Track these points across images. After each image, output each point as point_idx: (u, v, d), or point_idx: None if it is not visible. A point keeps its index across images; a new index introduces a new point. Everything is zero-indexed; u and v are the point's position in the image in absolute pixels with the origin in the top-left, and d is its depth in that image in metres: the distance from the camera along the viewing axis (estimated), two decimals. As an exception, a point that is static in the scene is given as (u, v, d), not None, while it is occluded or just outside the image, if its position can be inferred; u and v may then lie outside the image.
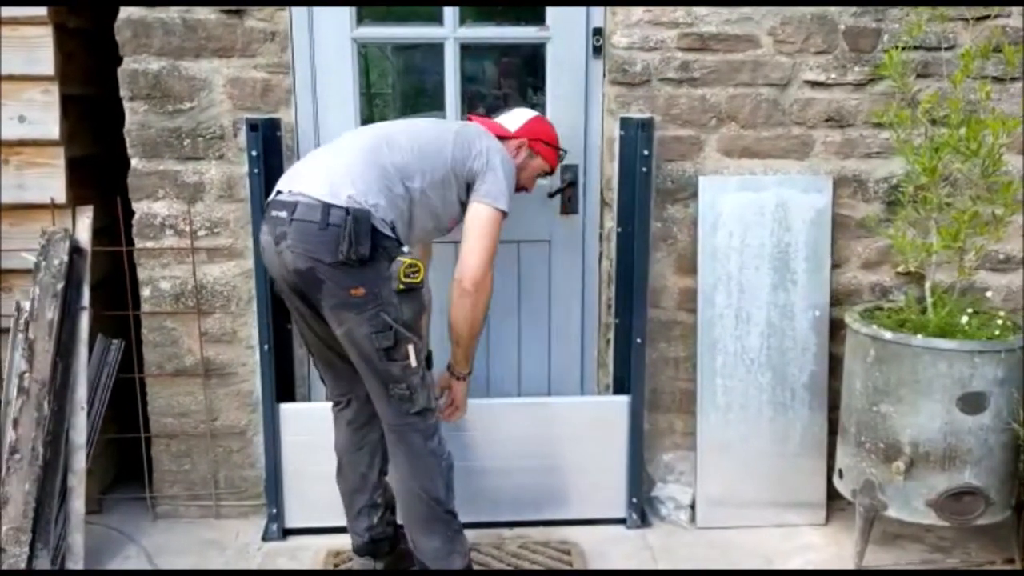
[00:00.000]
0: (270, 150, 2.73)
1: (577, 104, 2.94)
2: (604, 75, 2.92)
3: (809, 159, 2.93)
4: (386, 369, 2.28)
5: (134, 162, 2.84)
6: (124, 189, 2.86)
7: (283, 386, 2.89)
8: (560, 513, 2.94)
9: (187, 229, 2.87)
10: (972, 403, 2.47)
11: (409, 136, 2.42)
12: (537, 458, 2.91)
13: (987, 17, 2.82)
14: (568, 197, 3.03)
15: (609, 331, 3.07)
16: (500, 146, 2.51)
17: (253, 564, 2.77)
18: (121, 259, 2.87)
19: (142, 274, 2.90)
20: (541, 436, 2.91)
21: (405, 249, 2.29)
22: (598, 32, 2.91)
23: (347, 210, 2.20)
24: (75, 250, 2.67)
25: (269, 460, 2.85)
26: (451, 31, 2.90)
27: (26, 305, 2.60)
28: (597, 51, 2.92)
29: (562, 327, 3.14)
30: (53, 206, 2.77)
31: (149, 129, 2.81)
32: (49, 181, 2.79)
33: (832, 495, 2.91)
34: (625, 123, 2.85)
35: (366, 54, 3.04)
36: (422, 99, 3.12)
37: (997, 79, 2.83)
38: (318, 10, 2.85)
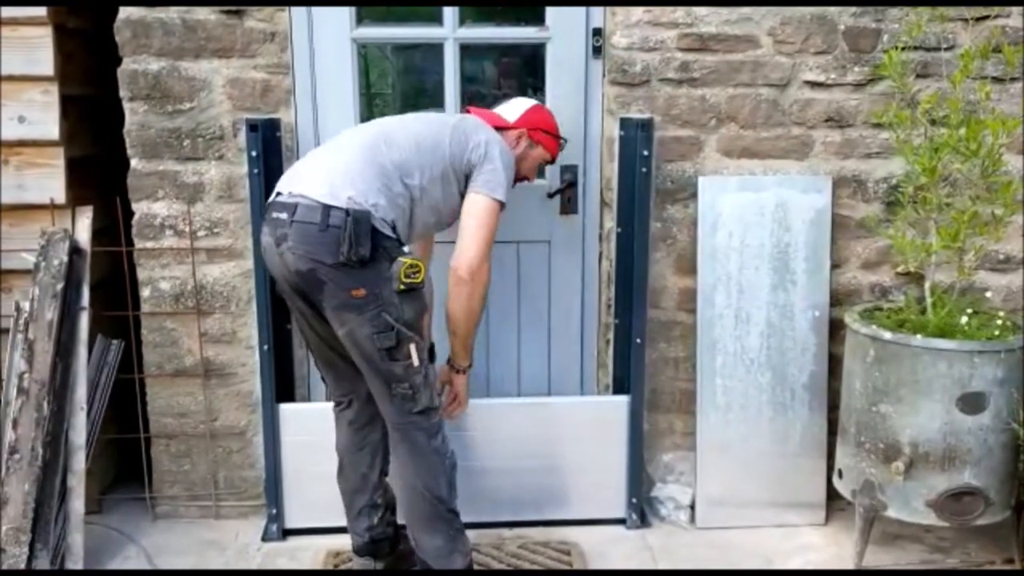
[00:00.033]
0: (270, 150, 2.73)
1: (577, 104, 2.94)
2: (604, 75, 2.92)
3: (809, 159, 2.93)
4: (388, 369, 2.28)
5: (134, 162, 2.84)
6: (124, 189, 2.86)
7: (283, 386, 2.89)
8: (560, 513, 2.94)
9: (187, 229, 2.87)
10: (972, 403, 2.47)
11: (406, 133, 2.41)
12: (537, 458, 2.91)
13: (987, 17, 2.82)
14: (568, 197, 3.03)
15: (609, 331, 3.07)
16: (498, 138, 2.50)
17: (253, 564, 2.77)
18: (121, 259, 2.87)
19: (142, 274, 2.90)
20: (541, 436, 2.91)
21: (406, 249, 2.30)
22: (598, 32, 2.91)
23: (347, 211, 2.20)
24: (75, 250, 2.67)
25: (269, 460, 2.85)
26: (451, 31, 2.90)
27: (26, 305, 2.60)
28: (597, 51, 2.92)
29: (562, 327, 3.14)
30: (53, 206, 2.77)
31: (149, 129, 2.81)
32: (49, 181, 2.79)
33: (832, 495, 2.91)
34: (625, 123, 2.85)
35: (366, 54, 3.04)
36: (422, 99, 3.12)
37: (997, 79, 2.83)
38: (318, 10, 2.85)
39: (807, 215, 2.90)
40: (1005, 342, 2.49)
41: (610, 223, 2.99)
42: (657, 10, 2.81)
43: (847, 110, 2.90)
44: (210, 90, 2.80)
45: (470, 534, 2.51)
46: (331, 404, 2.60)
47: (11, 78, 2.72)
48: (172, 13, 2.75)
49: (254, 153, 2.67)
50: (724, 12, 2.82)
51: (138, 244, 2.88)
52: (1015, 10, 2.84)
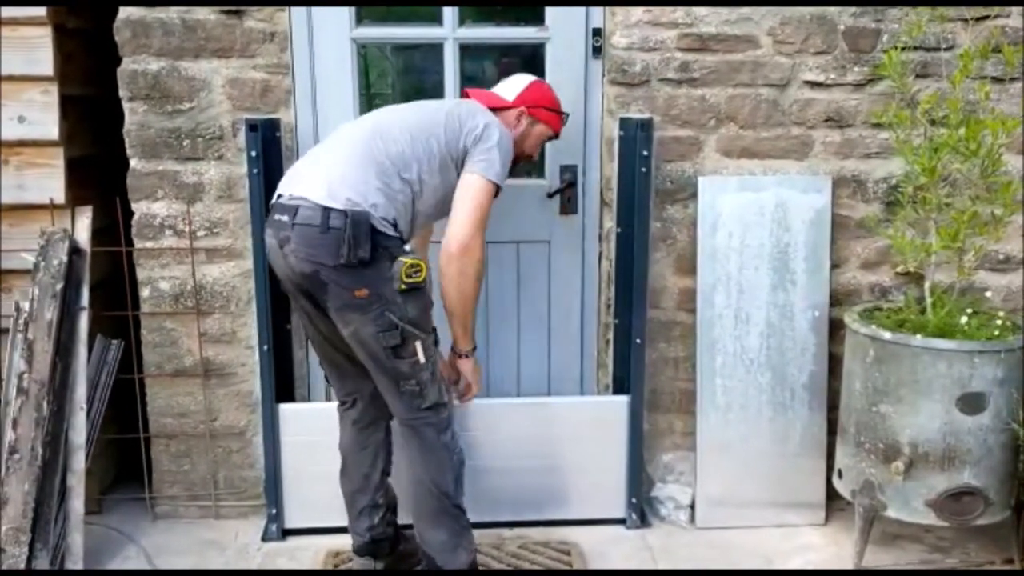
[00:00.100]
0: (269, 150, 2.73)
1: (576, 104, 2.93)
2: (603, 75, 2.92)
3: (808, 159, 2.93)
4: (395, 367, 2.29)
5: (133, 162, 2.83)
6: (123, 189, 2.86)
7: (282, 386, 2.89)
8: (560, 513, 2.94)
9: (186, 229, 2.87)
10: (971, 403, 2.47)
11: (401, 125, 2.39)
12: (537, 458, 2.91)
13: (986, 17, 2.82)
14: (568, 197, 3.03)
15: (609, 331, 3.07)
16: (495, 121, 2.45)
17: (253, 564, 2.77)
18: (120, 259, 2.87)
19: (141, 274, 2.90)
20: (541, 436, 2.91)
21: (407, 248, 2.29)
22: (597, 32, 2.91)
23: (345, 213, 2.20)
24: (74, 250, 2.67)
25: (268, 460, 2.85)
26: (450, 31, 2.90)
27: (25, 305, 2.60)
28: (596, 51, 2.92)
29: (562, 327, 3.14)
30: (52, 206, 2.77)
31: (148, 129, 2.81)
32: (48, 181, 2.79)
33: (832, 495, 2.91)
34: (624, 123, 2.85)
35: (366, 54, 3.04)
36: (422, 99, 3.10)
37: (996, 79, 2.83)
38: (317, 10, 2.85)
39: (807, 215, 2.90)
40: (1005, 342, 2.49)
41: (610, 223, 2.99)
42: (657, 10, 2.81)
43: (847, 110, 2.90)
44: (210, 90, 2.80)
45: (470, 534, 2.51)
46: (331, 404, 2.61)
47: (11, 78, 2.72)
48: (172, 13, 2.75)
49: (254, 153, 2.67)
50: (724, 12, 2.82)
51: (138, 244, 2.88)
52: (1015, 10, 2.84)
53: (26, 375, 2.56)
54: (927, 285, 2.71)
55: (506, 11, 2.97)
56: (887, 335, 2.54)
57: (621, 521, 2.96)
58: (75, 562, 2.63)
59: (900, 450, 2.53)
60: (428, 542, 2.44)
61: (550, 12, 2.92)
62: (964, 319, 2.59)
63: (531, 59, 3.02)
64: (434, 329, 2.40)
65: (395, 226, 2.29)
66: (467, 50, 2.97)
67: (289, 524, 2.89)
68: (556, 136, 2.71)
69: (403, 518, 2.65)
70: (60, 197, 2.79)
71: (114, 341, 2.83)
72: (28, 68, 2.72)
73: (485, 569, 2.69)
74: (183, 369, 2.95)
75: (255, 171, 2.67)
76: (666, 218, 2.94)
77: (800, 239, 2.90)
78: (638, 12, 2.81)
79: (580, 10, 2.91)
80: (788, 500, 2.97)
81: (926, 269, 2.72)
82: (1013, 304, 2.98)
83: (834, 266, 2.95)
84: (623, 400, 2.91)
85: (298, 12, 2.83)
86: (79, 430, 2.65)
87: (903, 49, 2.73)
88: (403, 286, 2.23)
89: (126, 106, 2.80)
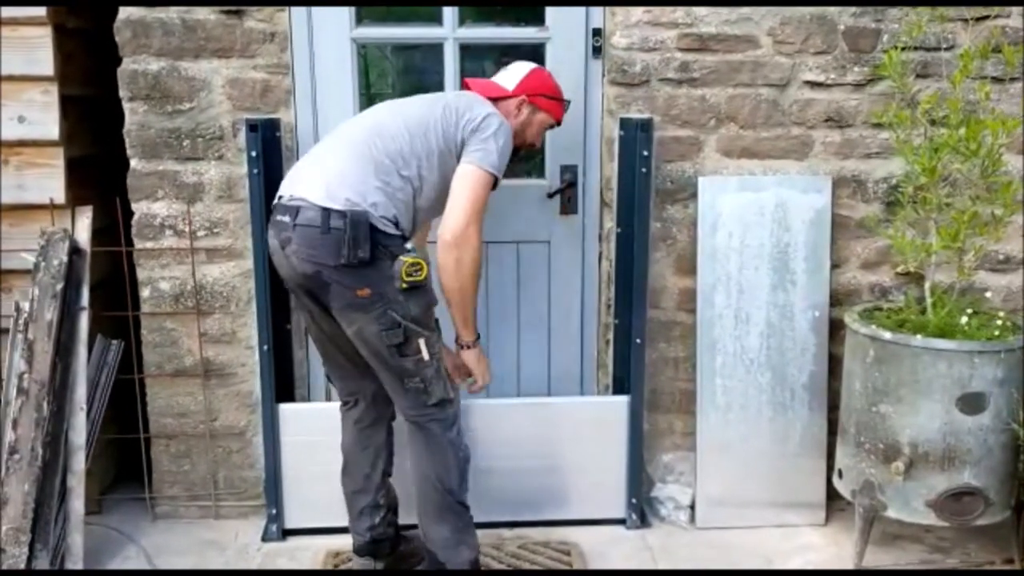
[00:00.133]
0: (269, 150, 2.73)
1: (576, 104, 2.93)
2: (603, 75, 2.92)
3: (808, 159, 2.93)
4: (399, 365, 2.30)
5: (133, 162, 2.83)
6: (123, 189, 2.86)
7: (282, 386, 2.89)
8: (560, 513, 2.94)
9: (186, 229, 2.87)
10: (972, 403, 2.47)
11: (399, 121, 2.38)
12: (537, 458, 2.91)
13: (987, 17, 2.82)
14: (568, 197, 3.03)
15: (609, 331, 3.07)
16: (493, 112, 2.42)
17: (253, 564, 2.77)
18: (120, 259, 2.87)
19: (141, 274, 2.90)
20: (541, 436, 2.91)
21: (408, 246, 2.29)
22: (597, 32, 2.91)
23: (345, 213, 2.20)
24: (74, 250, 2.67)
25: (268, 460, 2.85)
26: (450, 31, 2.90)
27: (25, 305, 2.60)
28: (597, 51, 2.92)
29: (562, 327, 3.14)
30: (52, 206, 2.77)
31: (148, 129, 2.81)
32: (48, 181, 2.79)
33: (832, 495, 2.91)
34: (625, 123, 2.85)
35: (366, 54, 3.04)
36: (422, 98, 3.11)
37: (996, 79, 2.83)
38: (317, 10, 2.85)
39: (807, 215, 2.90)
40: (1005, 342, 2.49)
41: (610, 223, 2.99)
42: (657, 10, 2.81)
43: (847, 110, 2.90)
44: (210, 90, 2.80)
45: (470, 534, 2.51)
46: (331, 404, 2.63)
47: (11, 78, 2.72)
48: (172, 13, 2.75)
49: (254, 153, 2.67)
50: (724, 12, 2.82)
51: (138, 244, 2.88)
52: (1015, 10, 2.84)
53: (26, 375, 2.56)
54: (927, 285, 2.71)
55: (506, 11, 2.97)
56: (887, 335, 2.54)
57: (621, 521, 2.96)
58: (75, 562, 2.63)
59: (900, 450, 2.53)
60: (431, 538, 2.44)
61: (550, 12, 2.92)
62: (964, 319, 2.59)
63: (531, 59, 2.99)
64: (436, 322, 2.39)
65: (396, 224, 2.29)
66: (467, 50, 2.97)
67: (289, 524, 2.89)
68: (558, 124, 2.68)
69: (404, 518, 2.65)
70: (60, 197, 2.79)
71: (114, 341, 2.83)
72: (28, 68, 2.72)
73: (485, 569, 2.69)
74: (183, 369, 2.95)
75: (255, 171, 2.67)
76: (666, 218, 2.94)
77: (800, 239, 2.90)
78: (638, 12, 2.81)
79: (580, 10, 2.91)
80: (788, 500, 2.97)
81: (926, 269, 2.72)
82: (1013, 304, 2.98)
83: (834, 266, 2.95)
84: (623, 400, 2.91)
85: (298, 12, 2.83)
86: (79, 430, 2.65)
87: (903, 49, 2.73)
88: (404, 285, 2.24)
89: (126, 106, 2.80)
